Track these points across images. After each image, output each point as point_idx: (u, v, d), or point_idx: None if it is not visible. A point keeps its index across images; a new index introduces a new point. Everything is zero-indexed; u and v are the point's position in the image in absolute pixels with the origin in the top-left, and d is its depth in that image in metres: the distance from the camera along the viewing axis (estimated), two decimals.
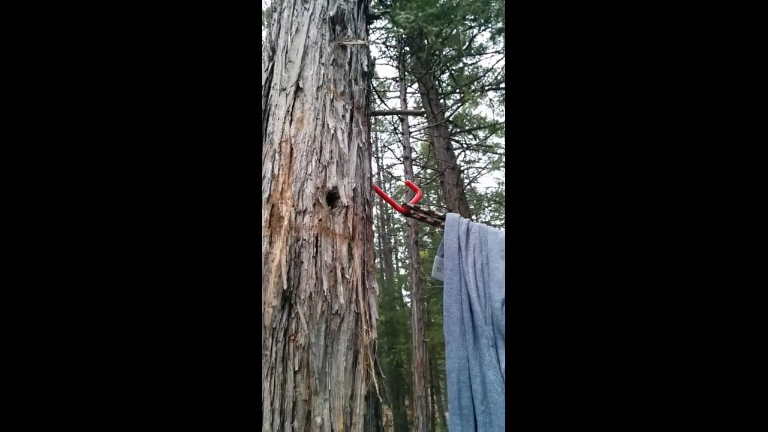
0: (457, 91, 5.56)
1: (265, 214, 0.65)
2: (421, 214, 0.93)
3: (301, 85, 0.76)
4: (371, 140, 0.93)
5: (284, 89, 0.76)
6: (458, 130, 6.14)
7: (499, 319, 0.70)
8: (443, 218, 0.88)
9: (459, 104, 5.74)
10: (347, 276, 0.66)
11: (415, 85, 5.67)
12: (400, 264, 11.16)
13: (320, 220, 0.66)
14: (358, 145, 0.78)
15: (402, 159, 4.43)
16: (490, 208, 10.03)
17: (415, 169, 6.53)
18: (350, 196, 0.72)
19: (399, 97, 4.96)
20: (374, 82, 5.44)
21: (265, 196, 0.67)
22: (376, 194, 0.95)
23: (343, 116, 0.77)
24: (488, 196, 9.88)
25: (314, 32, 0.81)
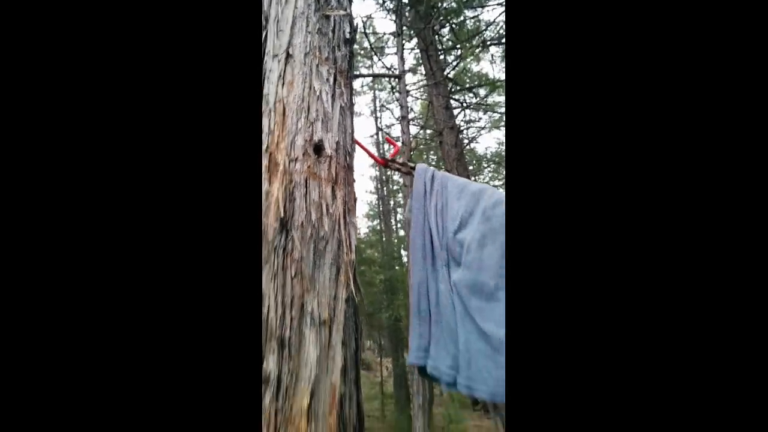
0: (458, 46, 5.41)
1: (265, 161, 0.82)
2: (398, 165, 1.10)
3: (290, 52, 0.89)
4: (354, 101, 1.07)
5: (276, 55, 0.89)
6: (458, 87, 6.04)
7: (451, 245, 0.89)
8: (414, 168, 1.05)
9: (459, 60, 5.61)
10: (331, 211, 0.84)
11: (414, 41, 5.50)
12: (399, 225, 11.45)
13: (309, 166, 0.83)
14: (341, 105, 0.93)
15: (399, 119, 4.45)
16: (489, 168, 10.05)
17: (414, 129, 6.50)
18: (333, 147, 0.88)
19: (396, 53, 4.84)
20: (372, 38, 5.27)
21: (264, 147, 0.83)
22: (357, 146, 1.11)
23: (327, 80, 0.91)
24: (488, 156, 9.87)
25: (301, 3, 0.92)
